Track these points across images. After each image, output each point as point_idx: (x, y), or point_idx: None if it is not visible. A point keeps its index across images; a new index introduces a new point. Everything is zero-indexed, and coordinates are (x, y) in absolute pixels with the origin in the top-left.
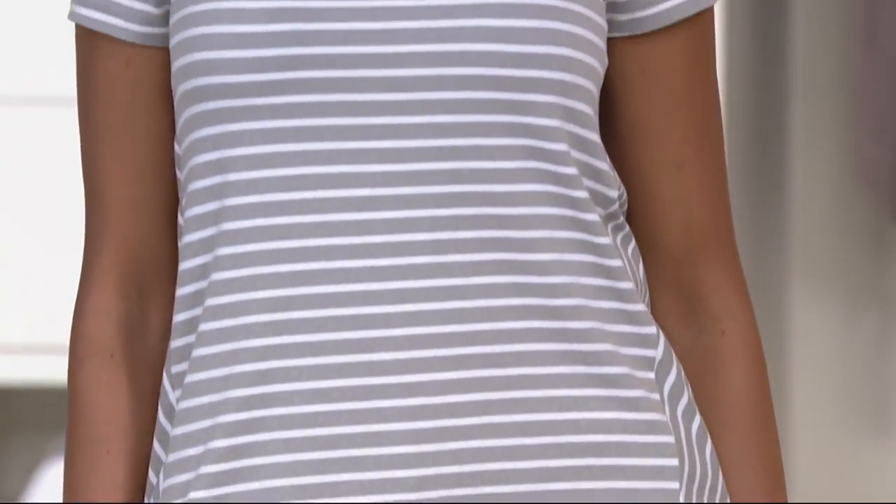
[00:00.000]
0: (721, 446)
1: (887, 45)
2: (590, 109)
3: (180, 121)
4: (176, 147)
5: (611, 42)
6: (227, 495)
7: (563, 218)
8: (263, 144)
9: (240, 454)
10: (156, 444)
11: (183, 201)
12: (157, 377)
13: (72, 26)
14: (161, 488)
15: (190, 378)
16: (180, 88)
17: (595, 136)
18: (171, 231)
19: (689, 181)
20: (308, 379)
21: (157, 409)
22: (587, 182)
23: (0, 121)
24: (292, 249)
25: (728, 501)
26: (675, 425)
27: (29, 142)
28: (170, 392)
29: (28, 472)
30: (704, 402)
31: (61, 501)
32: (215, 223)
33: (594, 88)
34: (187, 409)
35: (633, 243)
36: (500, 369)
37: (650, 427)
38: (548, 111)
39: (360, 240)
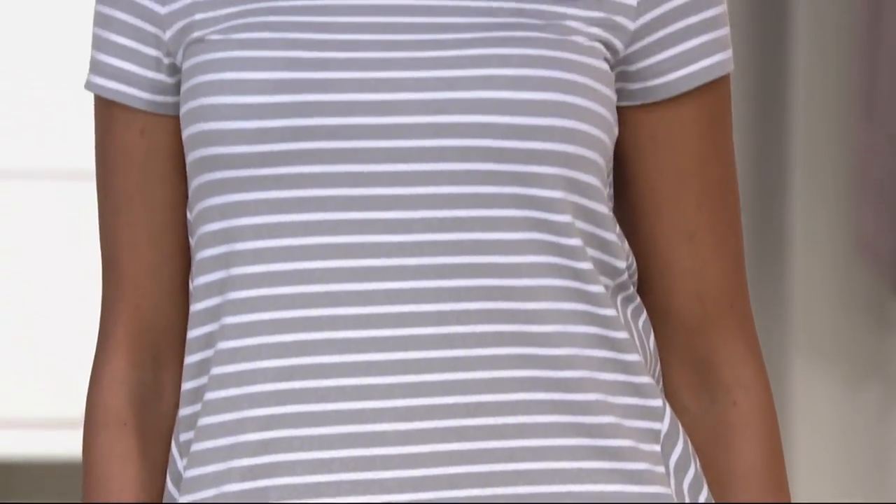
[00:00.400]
0: None
1: (887, 119)
2: (596, 180)
3: (191, 189)
4: (188, 214)
5: (622, 110)
6: None
7: (567, 289)
8: (269, 214)
9: None
10: None
11: (192, 270)
12: (170, 444)
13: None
14: None
15: (196, 447)
16: (189, 158)
17: (602, 207)
18: (187, 298)
19: (701, 251)
20: (311, 449)
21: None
22: (593, 253)
23: (14, 193)
24: (296, 319)
25: None
26: (681, 498)
27: (43, 215)
28: (178, 460)
29: None
30: (715, 473)
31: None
32: (221, 292)
33: (601, 159)
34: (193, 478)
35: (644, 315)
36: (503, 441)
37: (654, 500)
38: (551, 183)
39: (363, 310)
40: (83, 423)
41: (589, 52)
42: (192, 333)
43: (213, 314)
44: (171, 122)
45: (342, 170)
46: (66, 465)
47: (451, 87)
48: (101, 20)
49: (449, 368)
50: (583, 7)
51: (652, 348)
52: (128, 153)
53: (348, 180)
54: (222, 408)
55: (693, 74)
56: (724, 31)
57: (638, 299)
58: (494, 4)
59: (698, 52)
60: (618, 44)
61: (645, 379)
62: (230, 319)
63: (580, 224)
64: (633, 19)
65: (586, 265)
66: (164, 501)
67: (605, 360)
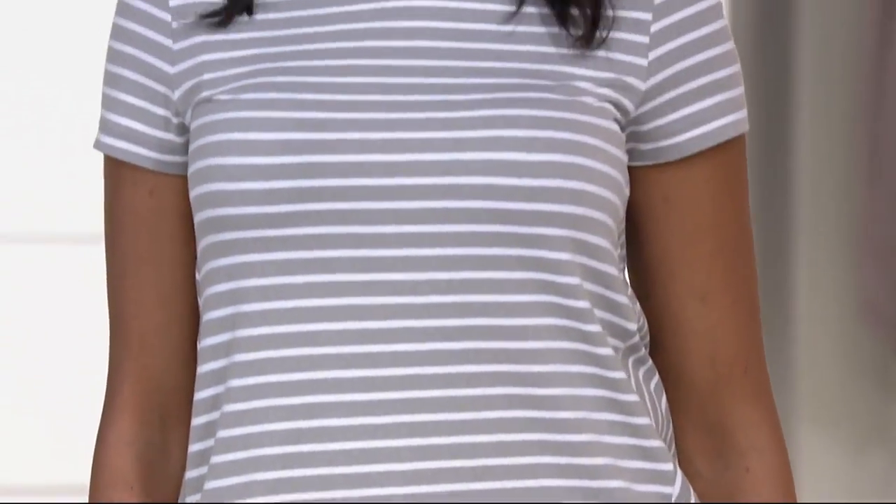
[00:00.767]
0: None
1: (891, 181)
2: (605, 242)
3: (199, 250)
4: (196, 275)
5: (634, 170)
6: None
7: (575, 352)
8: (275, 276)
9: None
10: None
11: (200, 331)
12: None
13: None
14: None
15: None
16: (197, 218)
17: (611, 268)
18: (195, 358)
19: (714, 313)
20: None
21: None
22: (601, 314)
23: (17, 256)
24: (303, 381)
25: None
26: None
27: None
28: None
29: None
30: None
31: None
32: (227, 354)
33: (610, 220)
34: None
35: (656, 377)
36: None
37: None
38: (559, 245)
39: (370, 372)
40: (88, 486)
41: (598, 112)
42: (199, 395)
43: (219, 376)
44: (180, 181)
45: (348, 231)
46: None
47: (457, 148)
48: (110, 79)
49: (456, 432)
50: (592, 68)
51: (664, 411)
52: (136, 213)
53: (354, 241)
54: (229, 471)
55: (705, 135)
56: (738, 90)
57: (650, 361)
58: (501, 65)
59: (711, 113)
60: (628, 104)
61: (655, 443)
62: (236, 382)
63: (588, 285)
64: (644, 79)
65: (594, 327)
66: None
67: (614, 423)
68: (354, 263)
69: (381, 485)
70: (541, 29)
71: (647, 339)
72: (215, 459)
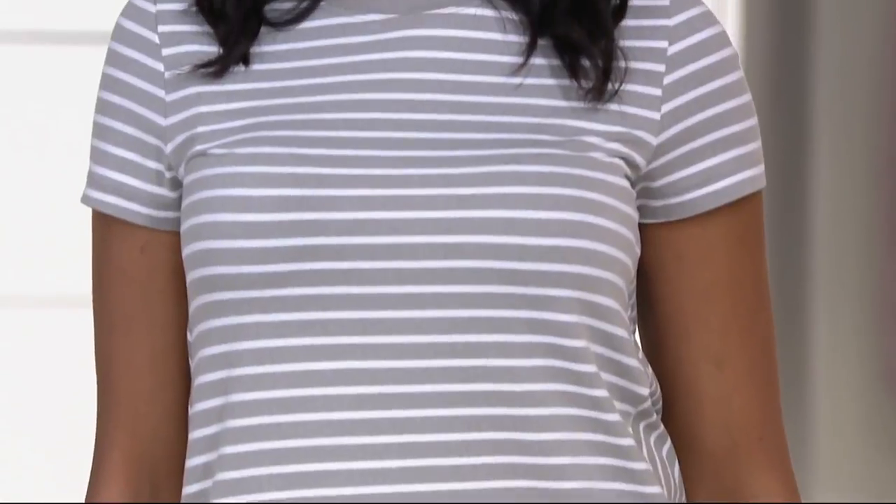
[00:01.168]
0: None
1: None
2: (614, 303)
3: (191, 309)
4: (188, 336)
5: (646, 228)
6: None
7: (581, 419)
8: (269, 338)
9: None
10: None
11: (192, 395)
12: None
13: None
14: None
15: None
16: (189, 277)
17: (620, 331)
18: (187, 423)
19: (730, 378)
20: None
21: None
22: (609, 378)
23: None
24: (298, 449)
25: None
26: None
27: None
28: None
29: None
30: None
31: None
32: (220, 420)
33: (620, 281)
34: None
35: (668, 444)
36: None
37: None
38: (567, 306)
39: (368, 440)
40: None
41: (608, 168)
42: (191, 462)
43: (212, 443)
44: (173, 237)
45: (346, 292)
46: None
47: (462, 205)
48: (99, 131)
49: (456, 500)
50: (603, 121)
51: (677, 479)
52: (127, 271)
53: (353, 303)
54: None
55: (719, 192)
56: (755, 145)
57: (662, 427)
58: (508, 119)
59: (726, 168)
60: (639, 159)
61: None
62: (229, 449)
63: (596, 348)
64: (656, 134)
65: (601, 392)
66: None
67: (622, 492)
68: (353, 326)
69: None
70: (550, 81)
71: (660, 403)
72: None
